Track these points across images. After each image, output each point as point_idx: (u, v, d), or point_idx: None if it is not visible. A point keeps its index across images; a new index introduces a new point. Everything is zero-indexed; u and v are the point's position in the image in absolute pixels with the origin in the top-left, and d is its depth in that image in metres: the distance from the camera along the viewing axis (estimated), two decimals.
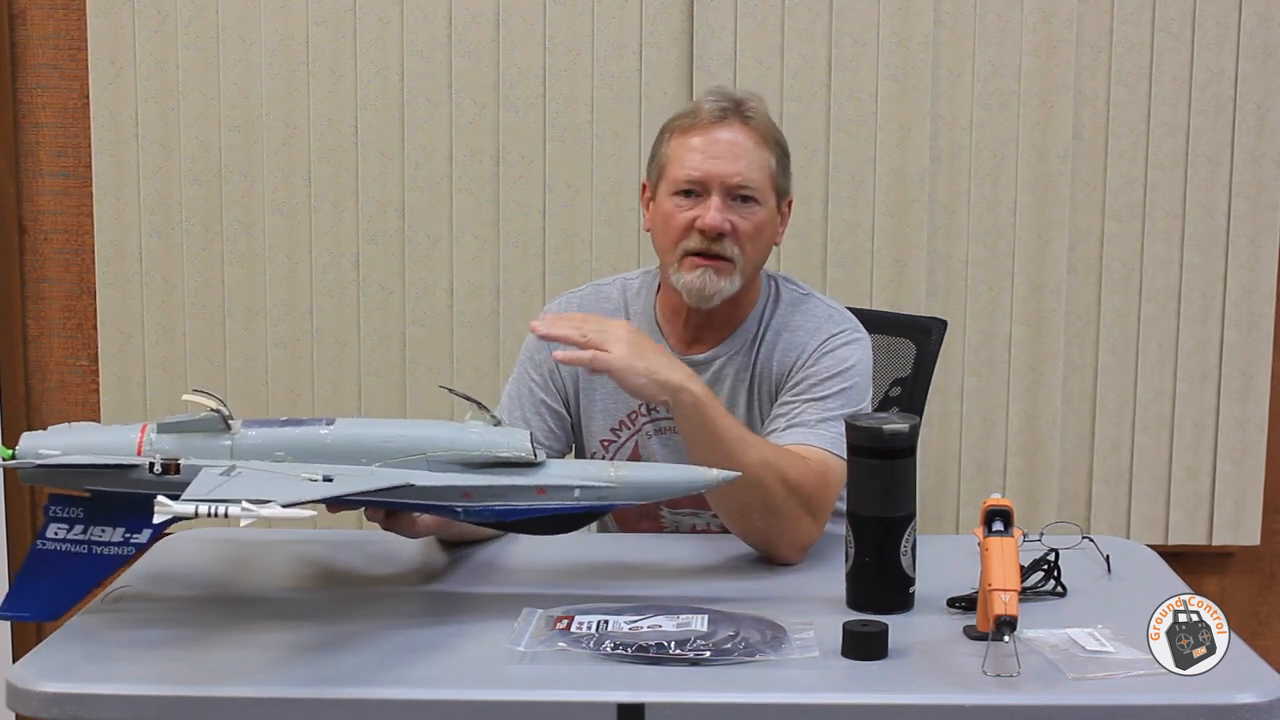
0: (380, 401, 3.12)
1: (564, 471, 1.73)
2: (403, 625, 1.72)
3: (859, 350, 2.15)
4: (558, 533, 1.81)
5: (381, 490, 1.66)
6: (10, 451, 1.70)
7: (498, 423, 1.75)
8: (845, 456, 1.86)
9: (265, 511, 1.47)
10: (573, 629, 1.63)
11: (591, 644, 1.59)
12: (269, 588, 1.90)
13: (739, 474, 1.80)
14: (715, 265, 2.08)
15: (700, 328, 2.17)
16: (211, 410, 1.69)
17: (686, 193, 2.09)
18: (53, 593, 1.71)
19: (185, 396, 1.71)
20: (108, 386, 3.14)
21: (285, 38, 3.06)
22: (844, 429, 1.86)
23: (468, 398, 1.77)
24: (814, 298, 2.21)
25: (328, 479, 1.63)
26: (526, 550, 1.99)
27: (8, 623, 3.17)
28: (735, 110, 2.11)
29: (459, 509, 1.71)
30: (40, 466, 1.68)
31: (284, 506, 1.47)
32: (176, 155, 3.08)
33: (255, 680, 1.55)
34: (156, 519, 1.47)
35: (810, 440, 2.03)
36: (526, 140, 3.07)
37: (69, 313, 3.20)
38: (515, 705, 1.51)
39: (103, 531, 1.71)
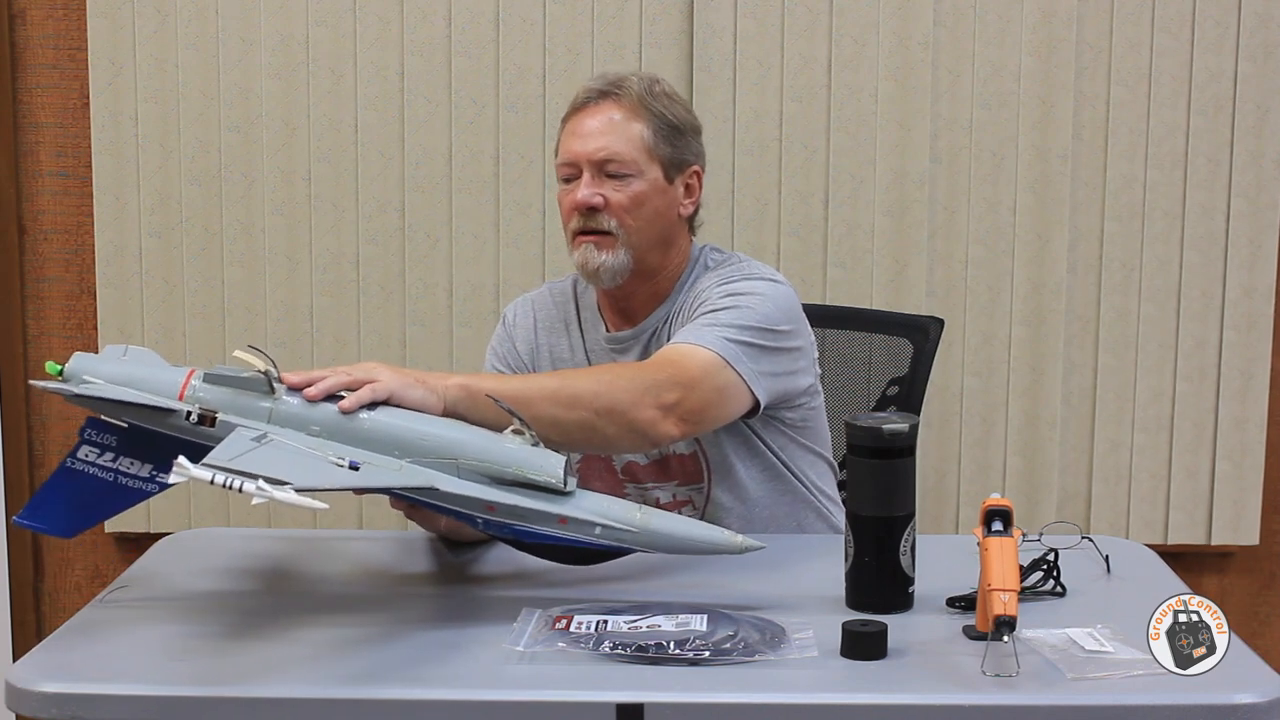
0: None
1: (590, 506, 1.72)
2: (401, 625, 1.71)
3: (764, 285, 2.13)
4: (572, 564, 1.81)
5: (404, 489, 1.66)
6: (60, 368, 1.72)
7: (536, 443, 1.74)
8: (722, 354, 1.91)
9: (279, 494, 1.45)
10: (572, 629, 1.63)
11: (590, 644, 1.59)
12: (267, 588, 1.90)
13: (763, 546, 1.77)
14: (595, 240, 2.13)
15: (630, 304, 2.21)
16: (260, 371, 1.69)
17: (567, 180, 2.16)
18: (72, 512, 1.74)
19: (236, 353, 1.71)
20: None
21: (285, 38, 3.06)
22: (733, 336, 1.93)
23: (512, 412, 1.76)
24: (738, 257, 2.23)
25: (354, 466, 1.62)
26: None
27: (8, 622, 3.18)
28: (607, 91, 2.16)
29: (479, 519, 1.70)
30: (78, 396, 1.70)
31: (297, 492, 1.46)
32: (176, 155, 3.08)
33: (254, 681, 1.55)
34: (172, 479, 1.47)
35: (679, 339, 2.04)
36: (526, 140, 3.07)
37: (69, 313, 3.20)
38: (514, 705, 1.51)
39: (131, 464, 1.73)
